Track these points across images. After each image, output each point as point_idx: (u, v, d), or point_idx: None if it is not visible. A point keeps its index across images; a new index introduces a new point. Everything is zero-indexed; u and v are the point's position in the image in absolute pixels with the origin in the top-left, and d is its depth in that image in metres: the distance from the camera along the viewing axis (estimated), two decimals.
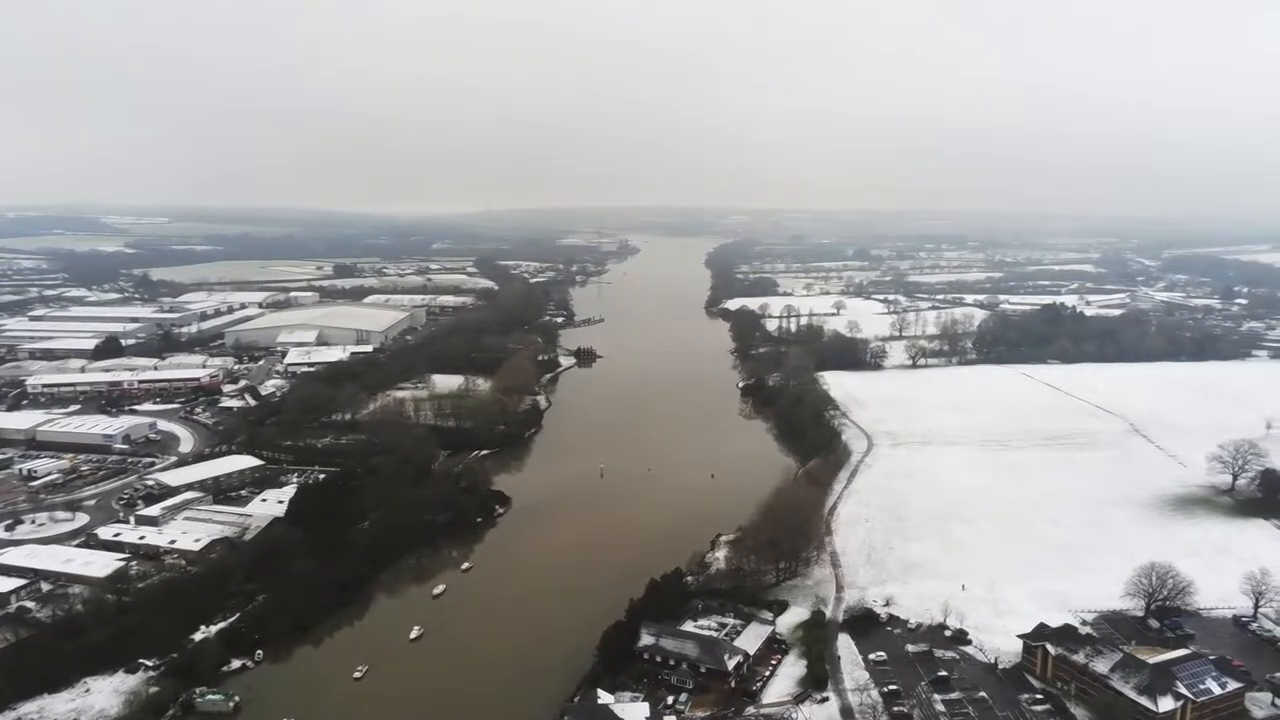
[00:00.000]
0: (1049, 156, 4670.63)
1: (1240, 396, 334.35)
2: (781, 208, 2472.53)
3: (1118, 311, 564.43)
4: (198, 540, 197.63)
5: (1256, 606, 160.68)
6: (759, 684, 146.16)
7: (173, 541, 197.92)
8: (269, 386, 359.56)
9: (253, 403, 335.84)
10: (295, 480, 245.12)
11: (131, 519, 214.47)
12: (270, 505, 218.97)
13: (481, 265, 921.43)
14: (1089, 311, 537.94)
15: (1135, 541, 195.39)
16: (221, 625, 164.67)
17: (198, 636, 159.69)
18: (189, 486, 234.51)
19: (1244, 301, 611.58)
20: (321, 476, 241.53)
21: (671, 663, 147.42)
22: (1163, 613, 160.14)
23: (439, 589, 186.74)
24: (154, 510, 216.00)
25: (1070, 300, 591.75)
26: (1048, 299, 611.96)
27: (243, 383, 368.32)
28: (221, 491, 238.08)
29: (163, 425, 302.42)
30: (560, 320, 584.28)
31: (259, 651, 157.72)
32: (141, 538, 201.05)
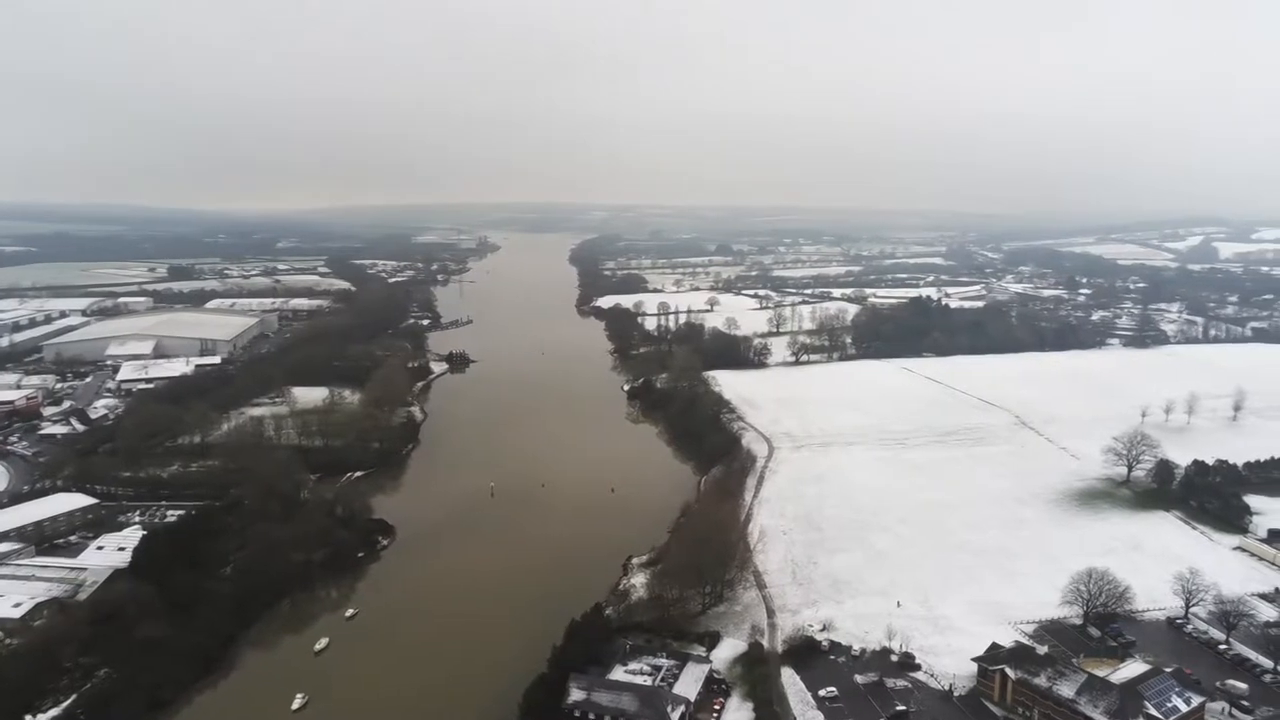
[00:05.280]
0: (879, 153, 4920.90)
1: (1107, 385, 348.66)
2: (638, 203, 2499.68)
3: (979, 304, 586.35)
4: (18, 604, 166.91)
5: (1188, 607, 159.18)
6: None
7: None
8: (99, 408, 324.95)
9: (80, 428, 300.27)
10: (138, 520, 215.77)
11: None
12: (109, 554, 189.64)
13: (334, 265, 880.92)
14: (952, 304, 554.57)
15: (1052, 542, 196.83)
16: (54, 712, 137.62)
17: None
18: (4, 536, 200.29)
19: (1088, 292, 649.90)
20: (171, 515, 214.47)
21: (607, 719, 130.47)
22: (1101, 619, 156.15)
23: (321, 643, 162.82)
24: None
25: (931, 293, 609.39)
26: (910, 292, 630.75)
27: (67, 404, 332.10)
28: (46, 539, 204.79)
29: None
30: (426, 323, 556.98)
31: None
32: None
